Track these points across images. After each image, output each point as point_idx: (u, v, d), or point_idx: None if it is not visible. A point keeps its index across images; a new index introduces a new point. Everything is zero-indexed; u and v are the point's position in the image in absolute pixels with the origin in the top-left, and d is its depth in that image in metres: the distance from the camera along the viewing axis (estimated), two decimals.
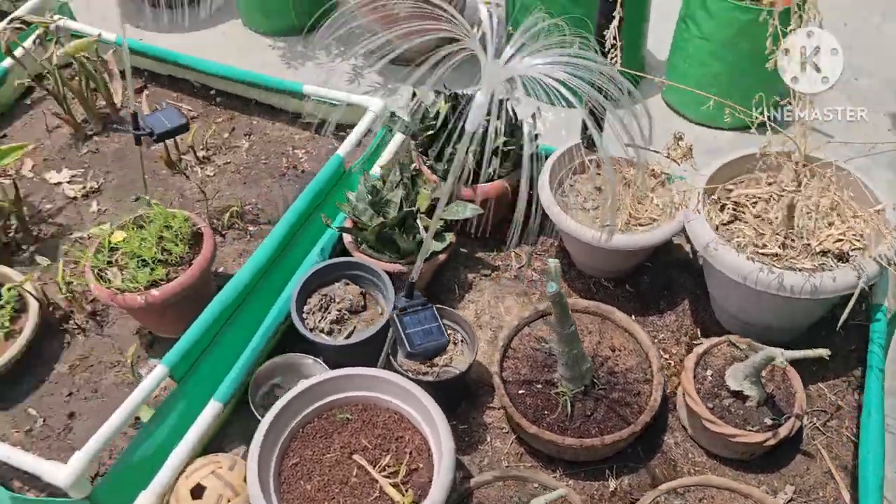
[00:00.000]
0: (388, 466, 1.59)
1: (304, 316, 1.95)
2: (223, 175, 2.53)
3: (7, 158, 2.22)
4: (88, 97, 2.62)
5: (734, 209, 1.95)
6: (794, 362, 1.70)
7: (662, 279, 2.20)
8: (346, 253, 2.09)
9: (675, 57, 3.03)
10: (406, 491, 1.54)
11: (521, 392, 1.82)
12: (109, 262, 1.94)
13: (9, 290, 2.02)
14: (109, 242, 1.95)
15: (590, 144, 2.20)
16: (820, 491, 1.74)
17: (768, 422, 1.72)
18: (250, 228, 2.35)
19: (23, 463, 1.63)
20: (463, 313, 2.03)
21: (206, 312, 1.88)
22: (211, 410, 1.74)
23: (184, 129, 2.13)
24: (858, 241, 1.81)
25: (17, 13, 2.89)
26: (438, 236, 2.04)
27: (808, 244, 1.79)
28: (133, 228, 1.98)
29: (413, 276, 1.60)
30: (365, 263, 2.00)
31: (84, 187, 2.48)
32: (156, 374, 1.75)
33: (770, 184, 1.94)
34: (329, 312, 1.97)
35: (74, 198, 2.46)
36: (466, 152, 1.31)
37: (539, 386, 1.83)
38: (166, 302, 1.88)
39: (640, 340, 1.90)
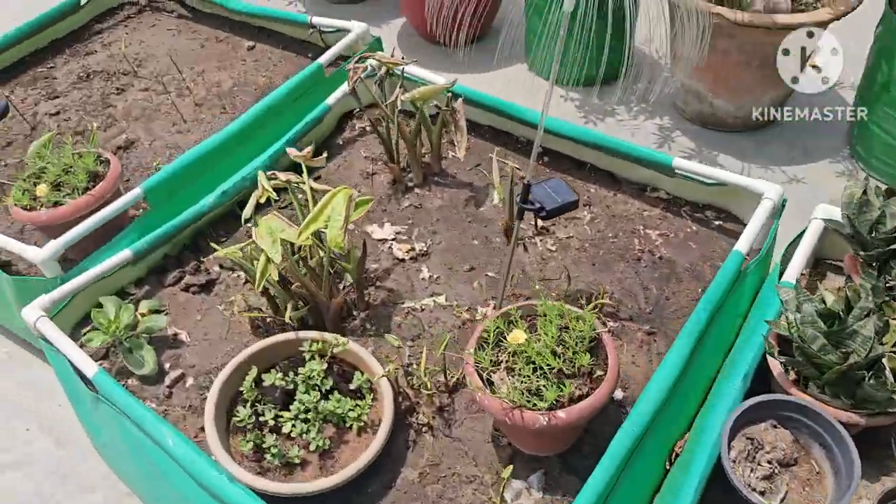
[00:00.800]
0: None
1: (732, 466, 1.54)
2: (566, 251, 2.19)
3: (358, 211, 1.96)
4: (417, 146, 2.37)
5: None
6: None
7: None
8: (764, 381, 1.67)
9: None
10: None
11: None
12: (493, 362, 1.61)
13: (367, 378, 1.75)
14: (494, 337, 1.63)
15: None
16: None
17: None
18: (610, 324, 1.98)
19: None
20: None
21: (616, 446, 1.51)
22: None
23: (574, 205, 1.80)
24: None
25: (336, 48, 2.72)
26: None
27: None
28: (521, 323, 1.65)
29: None
30: (809, 406, 1.57)
31: (412, 248, 2.21)
32: None
33: None
34: (758, 464, 1.55)
35: (402, 260, 2.19)
36: None
37: None
38: (568, 426, 1.52)
39: None
